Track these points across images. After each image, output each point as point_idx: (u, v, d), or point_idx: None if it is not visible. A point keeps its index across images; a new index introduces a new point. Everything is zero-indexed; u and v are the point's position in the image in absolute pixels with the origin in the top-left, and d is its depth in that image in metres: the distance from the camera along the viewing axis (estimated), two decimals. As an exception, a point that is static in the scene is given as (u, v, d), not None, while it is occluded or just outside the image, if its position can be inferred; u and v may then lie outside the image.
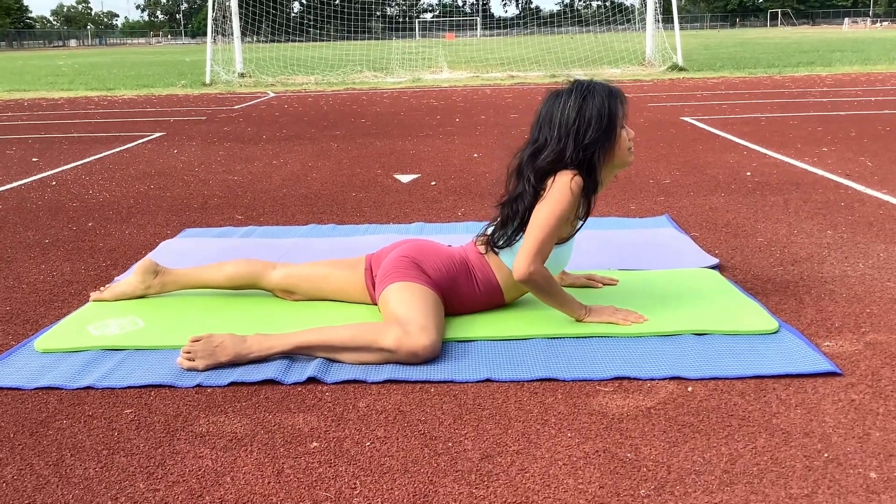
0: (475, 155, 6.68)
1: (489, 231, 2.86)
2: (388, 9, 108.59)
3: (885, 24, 70.42)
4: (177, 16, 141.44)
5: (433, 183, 5.52)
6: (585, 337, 2.67)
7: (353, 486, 1.85)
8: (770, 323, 2.70)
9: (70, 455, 2.03)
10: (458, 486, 1.84)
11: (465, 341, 2.68)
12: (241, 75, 17.93)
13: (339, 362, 2.52)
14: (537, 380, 2.39)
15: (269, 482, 1.88)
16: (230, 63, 18.45)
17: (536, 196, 2.69)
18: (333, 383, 2.40)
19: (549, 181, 2.68)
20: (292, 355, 2.56)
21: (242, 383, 2.41)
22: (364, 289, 2.98)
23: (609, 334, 2.68)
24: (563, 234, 2.74)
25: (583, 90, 2.69)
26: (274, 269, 3.08)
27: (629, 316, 2.77)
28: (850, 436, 2.02)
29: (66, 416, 2.24)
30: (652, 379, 2.37)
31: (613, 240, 3.84)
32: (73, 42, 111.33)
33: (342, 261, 3.08)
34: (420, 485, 1.86)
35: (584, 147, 2.65)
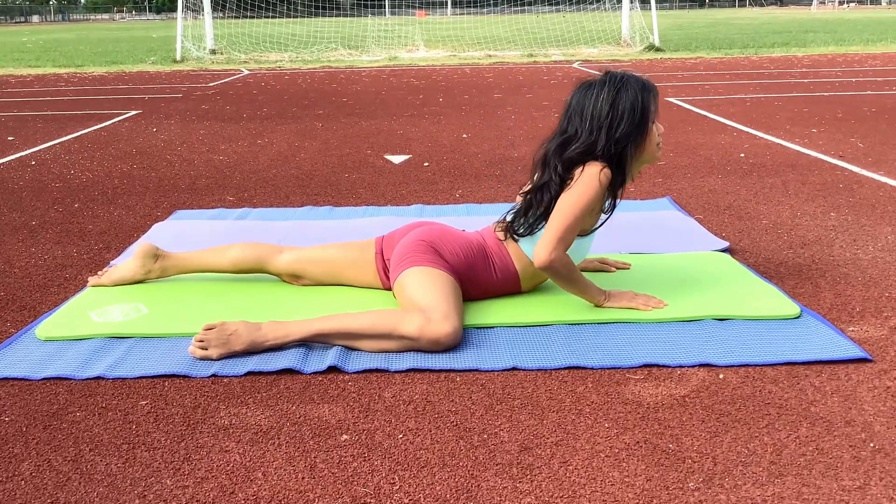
0: (464, 135, 6.60)
1: (508, 218, 2.79)
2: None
3: (852, 5, 71.02)
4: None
5: (426, 164, 5.43)
6: (607, 323, 2.61)
7: (391, 482, 1.79)
8: (791, 308, 2.66)
9: (89, 450, 1.95)
10: (501, 481, 1.78)
11: (484, 328, 2.61)
12: (213, 52, 17.64)
13: (358, 350, 2.45)
14: (564, 368, 2.33)
15: (302, 477, 1.81)
16: (200, 39, 18.14)
17: (562, 186, 2.63)
18: (355, 372, 2.33)
19: (577, 171, 2.62)
20: (309, 343, 2.48)
21: (260, 373, 2.33)
22: (374, 273, 2.91)
23: (630, 320, 2.62)
24: (586, 226, 2.68)
25: (616, 82, 2.62)
26: (281, 253, 2.99)
27: (649, 301, 2.72)
28: (892, 424, 1.98)
29: (80, 408, 2.15)
30: (681, 366, 2.32)
31: (618, 222, 3.75)
32: (35, 18, 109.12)
33: (352, 243, 3.00)
34: (461, 479, 1.79)
35: (615, 141, 2.59)
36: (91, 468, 1.86)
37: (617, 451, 1.89)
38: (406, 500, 1.72)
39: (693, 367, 2.32)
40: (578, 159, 2.63)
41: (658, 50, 16.54)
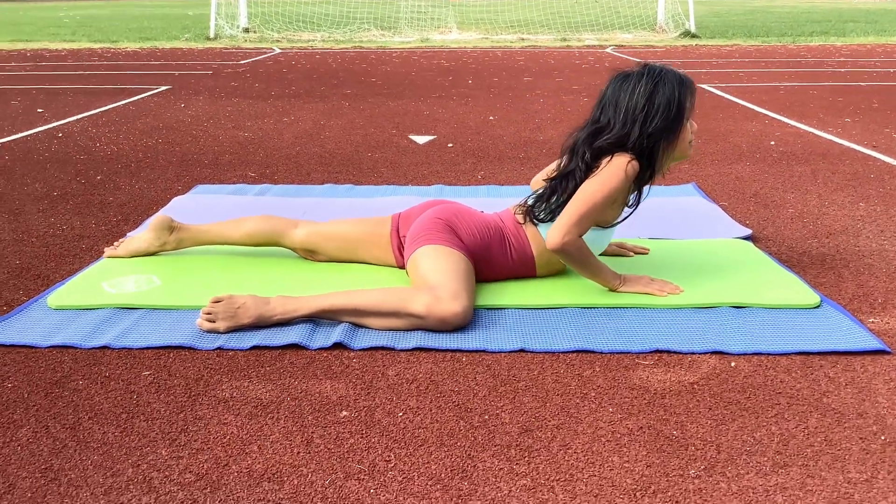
0: (491, 118, 6.54)
1: (530, 202, 2.74)
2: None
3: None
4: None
5: (450, 145, 5.39)
6: (620, 307, 2.57)
7: (387, 459, 1.76)
8: (811, 297, 2.60)
9: (87, 418, 1.94)
10: (498, 461, 1.75)
11: (495, 309, 2.58)
12: (246, 30, 17.65)
13: (366, 327, 2.43)
14: (572, 351, 2.29)
15: (298, 452, 1.79)
16: (234, 17, 18.16)
17: (587, 174, 2.59)
18: (360, 349, 2.31)
19: (605, 161, 2.57)
20: (316, 319, 2.46)
21: (265, 347, 2.31)
22: (390, 250, 2.88)
23: (645, 305, 2.58)
24: (608, 218, 2.64)
25: (655, 76, 2.56)
26: (297, 227, 2.97)
27: (665, 287, 2.67)
28: (906, 418, 1.93)
29: (82, 377, 2.14)
30: (692, 353, 2.27)
31: (640, 207, 3.72)
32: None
33: (368, 219, 2.98)
34: (458, 459, 1.77)
35: (648, 135, 2.54)
36: (88, 436, 1.86)
37: (619, 435, 1.85)
38: (400, 478, 1.70)
39: (705, 354, 2.27)
40: (608, 150, 2.58)
41: (694, 36, 16.30)
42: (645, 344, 2.31)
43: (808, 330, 2.39)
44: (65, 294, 2.67)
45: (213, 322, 2.40)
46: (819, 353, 2.26)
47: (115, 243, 3.13)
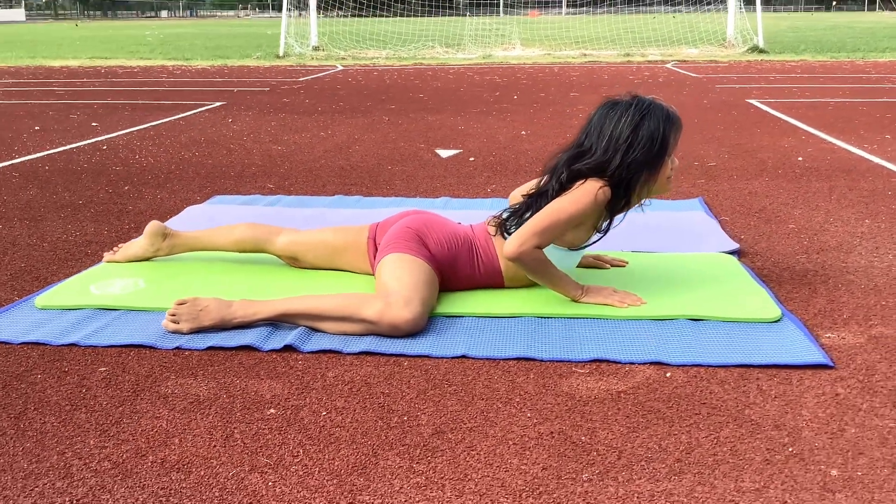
0: (523, 132, 6.59)
1: (504, 216, 2.80)
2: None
3: None
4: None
5: (471, 159, 5.46)
6: (577, 318, 2.60)
7: (295, 454, 1.84)
8: (772, 311, 2.58)
9: (33, 409, 2.06)
10: (400, 460, 1.81)
11: (453, 316, 2.63)
12: (316, 48, 18.06)
13: (322, 332, 2.51)
14: (514, 358, 2.33)
15: (214, 446, 1.88)
16: (304, 36, 18.60)
17: (560, 193, 2.64)
18: (310, 352, 2.39)
19: (578, 183, 2.62)
20: (276, 322, 2.55)
21: (221, 348, 2.41)
22: (366, 258, 2.96)
23: (601, 316, 2.60)
24: (574, 240, 2.68)
25: (642, 108, 2.60)
26: (279, 235, 3.08)
27: (626, 298, 2.69)
28: (822, 431, 1.92)
29: (42, 371, 2.27)
30: (632, 363, 2.29)
31: (637, 221, 3.73)
32: (164, 13, 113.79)
33: (347, 228, 3.07)
34: (363, 456, 1.83)
35: (628, 165, 2.57)
36: (28, 425, 1.98)
37: (527, 439, 1.89)
38: (301, 472, 1.77)
39: (644, 364, 2.28)
40: (586, 174, 2.63)
41: (762, 51, 16.07)
42: (586, 353, 2.33)
43: (757, 343, 2.38)
44: (52, 295, 2.82)
45: (177, 323, 2.51)
46: (760, 366, 2.25)
47: (115, 248, 3.29)
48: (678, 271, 3.00)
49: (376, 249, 2.92)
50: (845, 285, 2.91)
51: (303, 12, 19.31)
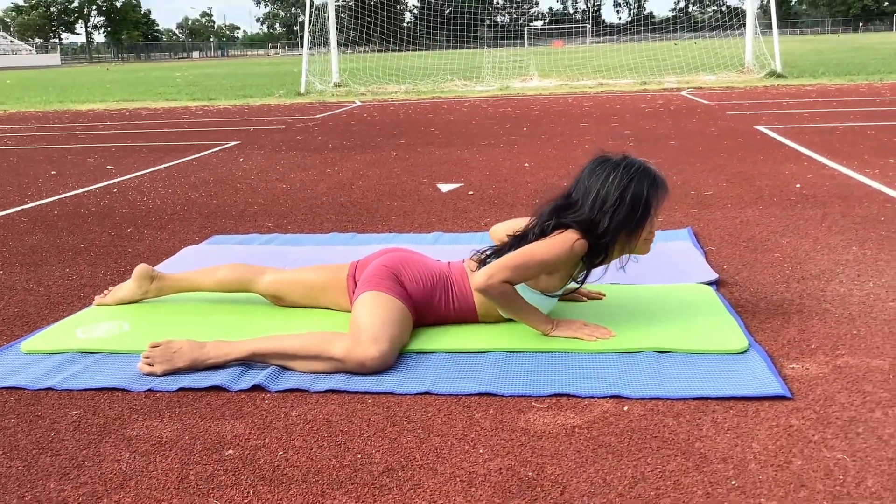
0: (526, 164, 6.64)
1: (487, 253, 2.85)
2: (497, 17, 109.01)
3: None
4: (294, 28, 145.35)
5: (470, 193, 5.51)
6: (544, 352, 2.63)
7: (245, 495, 1.88)
8: (739, 342, 2.60)
9: (2, 453, 2.13)
10: (347, 499, 1.85)
11: (423, 353, 2.67)
12: (337, 85, 18.30)
13: (293, 370, 2.56)
14: (476, 394, 2.36)
15: (168, 488, 1.92)
16: (325, 73, 18.85)
17: (539, 238, 2.71)
18: (277, 391, 2.44)
19: (558, 231, 2.68)
20: (248, 362, 2.61)
21: (191, 389, 2.47)
22: (346, 296, 3.02)
23: (568, 350, 2.63)
24: (550, 287, 2.74)
25: (631, 172, 2.66)
26: (263, 275, 3.14)
27: (595, 331, 2.71)
28: (769, 463, 1.93)
29: (16, 416, 2.34)
30: (591, 397, 2.31)
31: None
32: (196, 54, 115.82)
33: (328, 266, 3.13)
34: (311, 496, 1.87)
35: (610, 226, 2.64)
36: (-7, 469, 2.04)
37: (474, 476, 1.92)
38: (247, 513, 1.81)
39: (604, 398, 2.31)
40: (570, 226, 2.68)
41: (779, 76, 16.03)
42: (546, 387, 2.36)
43: (718, 375, 2.39)
44: (38, 340, 2.90)
45: (152, 365, 2.58)
46: (719, 399, 2.27)
47: (105, 291, 3.37)
48: (652, 303, 3.02)
49: (355, 286, 2.97)
50: (819, 314, 2.92)
51: (325, 49, 19.58)
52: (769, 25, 17.70)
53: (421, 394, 2.38)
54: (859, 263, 3.51)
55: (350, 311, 3.02)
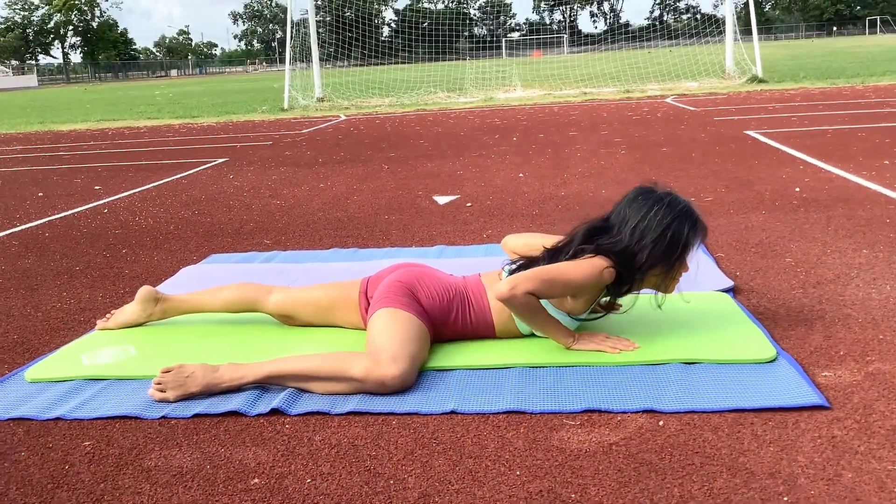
0: (521, 175, 6.59)
1: (519, 264, 2.77)
2: (475, 29, 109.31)
3: None
4: (272, 44, 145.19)
5: (468, 204, 5.45)
6: (568, 366, 2.56)
7: (276, 526, 1.80)
8: (767, 351, 2.54)
9: (16, 489, 2.03)
10: (384, 528, 1.77)
11: (443, 370, 2.60)
12: (320, 100, 18.22)
13: (311, 392, 2.48)
14: (504, 412, 2.29)
15: (195, 520, 1.84)
16: (308, 88, 18.77)
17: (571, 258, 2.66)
18: (297, 415, 2.35)
19: (589, 255, 2.62)
20: (265, 385, 2.52)
21: (207, 415, 2.38)
22: (358, 313, 2.94)
23: (593, 363, 2.56)
24: (575, 309, 2.68)
25: (675, 210, 2.62)
26: (271, 294, 3.06)
27: (618, 343, 2.65)
28: (819, 477, 1.86)
29: (27, 448, 2.25)
30: (624, 412, 2.25)
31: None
32: (174, 72, 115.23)
33: (339, 283, 3.05)
34: (346, 525, 1.79)
35: (647, 260, 2.60)
36: (8, 506, 1.95)
37: (514, 500, 1.85)
38: (281, 546, 1.72)
39: (637, 412, 2.24)
40: (606, 255, 2.62)
41: (761, 81, 16.10)
42: (577, 403, 2.29)
43: (751, 386, 2.33)
44: (43, 367, 2.80)
45: (164, 392, 2.48)
46: (755, 410, 2.21)
47: (107, 315, 3.27)
48: (671, 312, 2.96)
49: (368, 303, 2.89)
50: (842, 320, 2.86)
51: (307, 64, 19.50)
52: (747, 31, 17.79)
53: (447, 413, 2.31)
54: (873, 267, 3.47)
55: (362, 329, 2.95)
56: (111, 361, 2.83)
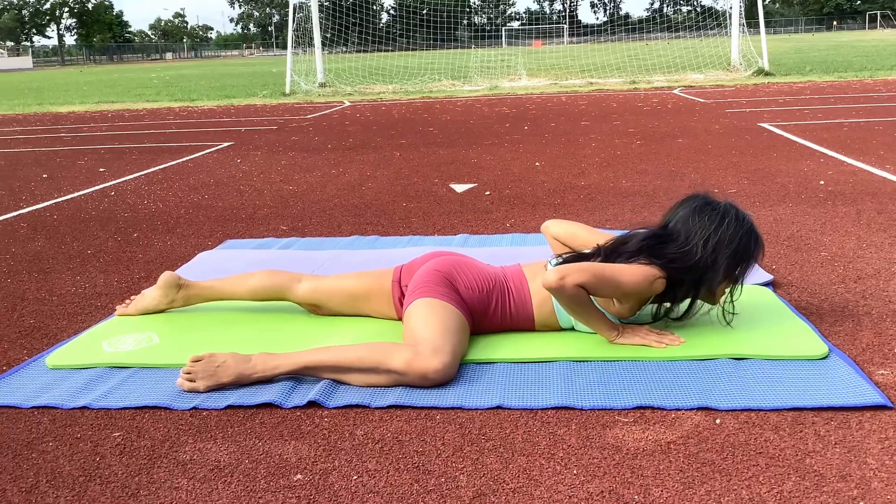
0: (537, 164, 6.49)
1: (561, 261, 2.68)
2: (475, 17, 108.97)
3: None
4: (269, 28, 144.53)
5: (487, 193, 5.35)
6: (613, 360, 2.47)
7: (327, 526, 1.70)
8: (819, 348, 2.45)
9: (45, 481, 1.94)
10: (441, 529, 1.68)
11: (484, 363, 2.50)
12: (322, 85, 18.07)
13: (347, 384, 2.38)
14: (553, 408, 2.20)
15: (240, 518, 1.75)
16: (310, 74, 18.62)
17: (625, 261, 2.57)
18: (335, 408, 2.26)
19: (643, 261, 2.53)
20: (298, 376, 2.43)
21: (241, 406, 2.29)
22: (391, 303, 2.84)
23: (639, 358, 2.47)
24: (618, 312, 2.60)
25: (746, 227, 2.56)
26: (300, 283, 2.96)
27: (664, 338, 2.56)
28: (893, 480, 1.78)
29: (54, 438, 2.15)
30: (678, 409, 2.16)
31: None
32: (169, 55, 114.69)
33: (371, 272, 2.95)
34: (400, 526, 1.70)
35: (721, 276, 2.53)
36: (40, 500, 1.85)
37: (574, 500, 1.76)
38: (334, 547, 1.63)
39: (691, 410, 2.15)
40: (656, 262, 2.53)
41: (767, 74, 15.99)
42: (629, 400, 2.20)
43: (807, 383, 2.25)
44: (64, 354, 2.70)
45: (193, 381, 2.39)
46: (813, 409, 2.12)
47: (126, 301, 3.17)
48: (714, 306, 2.86)
49: (401, 293, 2.80)
50: (890, 316, 2.78)
51: (308, 49, 19.33)
52: (751, 24, 17.68)
53: (493, 408, 2.21)
54: (913, 262, 3.38)
55: (392, 319, 2.86)
56: (133, 349, 2.73)
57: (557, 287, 2.43)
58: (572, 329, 2.69)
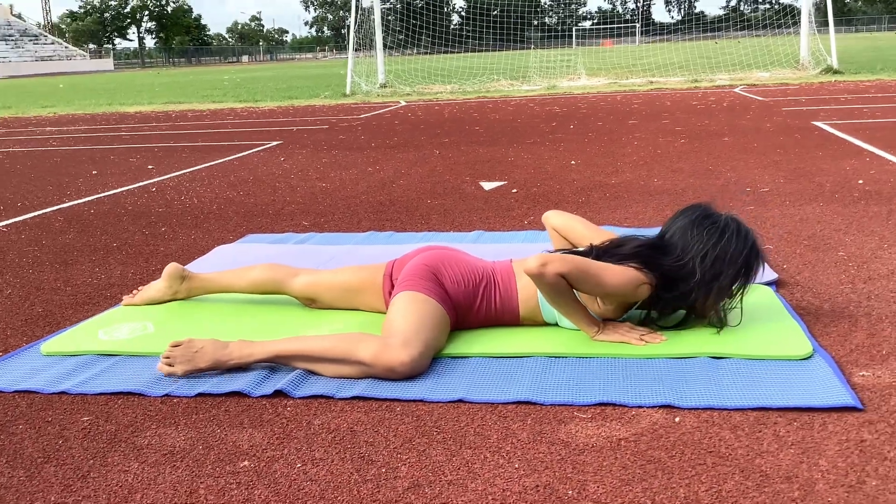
0: (573, 162, 6.43)
1: (557, 250, 2.67)
2: (545, 18, 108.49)
3: None
4: (342, 31, 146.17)
5: (514, 190, 5.32)
6: (588, 357, 2.43)
7: (257, 512, 1.72)
8: (803, 348, 2.38)
9: (5, 462, 2.00)
10: (367, 518, 1.67)
11: (458, 357, 2.49)
12: (383, 86, 18.21)
13: (318, 374, 2.40)
14: (514, 402, 2.18)
15: (176, 502, 1.77)
16: (373, 74, 18.77)
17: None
18: (301, 398, 2.27)
19: (630, 265, 2.49)
20: (273, 364, 2.46)
21: (210, 395, 2.32)
22: (382, 296, 2.85)
23: (615, 355, 2.43)
24: (601, 310, 2.56)
25: (750, 243, 2.51)
26: (297, 277, 2.99)
27: (645, 335, 2.51)
28: (839, 483, 1.71)
29: (25, 421, 2.21)
30: (640, 406, 2.11)
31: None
32: (245, 58, 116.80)
33: (365, 267, 2.96)
34: (328, 514, 1.70)
35: (718, 294, 2.49)
36: (-6, 479, 1.91)
37: (508, 494, 1.74)
38: (258, 532, 1.65)
39: (652, 408, 2.11)
40: (648, 269, 2.49)
41: (836, 72, 15.56)
42: (591, 396, 2.17)
43: (781, 384, 2.18)
44: (59, 341, 2.78)
45: (172, 366, 2.43)
46: (781, 409, 2.06)
47: (134, 291, 3.25)
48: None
49: (392, 286, 2.80)
50: (889, 317, 2.68)
51: (371, 51, 19.49)
52: (824, 23, 17.21)
53: (454, 402, 2.20)
54: (931, 263, 3.25)
55: (384, 313, 2.87)
56: (127, 337, 2.79)
57: (538, 273, 2.39)
58: (556, 324, 2.66)
